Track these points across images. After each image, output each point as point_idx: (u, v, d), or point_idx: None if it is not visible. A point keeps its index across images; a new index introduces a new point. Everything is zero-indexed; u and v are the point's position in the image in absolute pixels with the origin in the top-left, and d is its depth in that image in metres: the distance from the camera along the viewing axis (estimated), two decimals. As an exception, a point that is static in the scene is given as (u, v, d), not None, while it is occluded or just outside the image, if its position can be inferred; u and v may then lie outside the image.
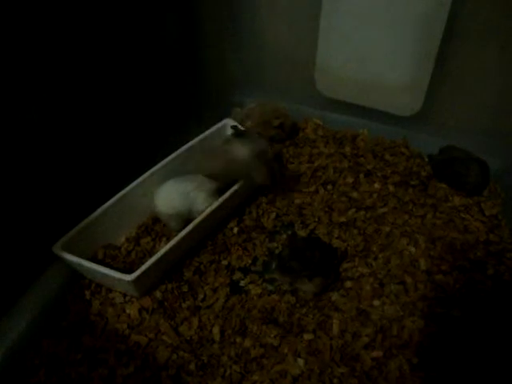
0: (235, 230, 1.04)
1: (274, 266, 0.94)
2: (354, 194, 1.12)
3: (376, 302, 0.89)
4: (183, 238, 0.90)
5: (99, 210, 0.95)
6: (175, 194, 0.99)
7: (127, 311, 0.89)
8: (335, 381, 0.77)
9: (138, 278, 0.82)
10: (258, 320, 0.87)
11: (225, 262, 0.98)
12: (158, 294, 0.90)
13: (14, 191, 0.83)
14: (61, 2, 0.82)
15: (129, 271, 0.83)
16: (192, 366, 0.80)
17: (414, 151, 1.25)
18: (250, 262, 0.98)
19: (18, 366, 0.81)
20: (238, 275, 0.96)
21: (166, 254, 0.87)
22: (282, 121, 1.26)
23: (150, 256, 0.88)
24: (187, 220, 0.96)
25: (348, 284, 0.92)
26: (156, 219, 1.05)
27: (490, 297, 0.89)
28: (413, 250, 0.98)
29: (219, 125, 1.18)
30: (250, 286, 0.94)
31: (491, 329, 0.84)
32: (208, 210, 0.95)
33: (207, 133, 1.15)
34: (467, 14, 1.03)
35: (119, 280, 0.83)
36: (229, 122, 1.18)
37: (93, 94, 0.96)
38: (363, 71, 1.21)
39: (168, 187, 1.00)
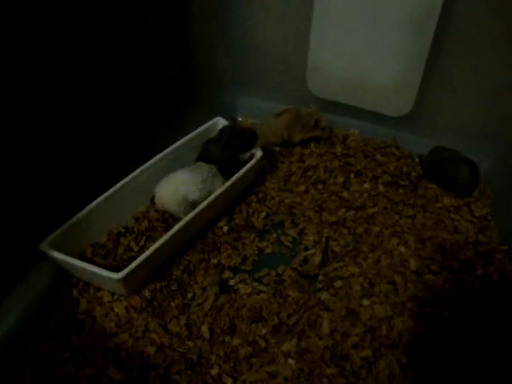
0: (225, 228, 1.04)
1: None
2: (345, 194, 1.12)
3: (366, 302, 0.89)
4: (172, 237, 0.89)
5: (88, 208, 0.94)
6: (191, 184, 1.00)
7: (115, 310, 0.88)
8: (324, 380, 0.77)
9: (127, 276, 0.82)
10: (247, 319, 0.86)
11: (214, 261, 0.97)
12: (147, 293, 0.89)
13: (1, 187, 0.81)
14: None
15: (117, 270, 0.82)
16: (181, 365, 0.79)
17: (404, 152, 1.25)
18: (239, 261, 0.98)
19: (4, 365, 0.80)
20: (227, 274, 0.95)
21: (154, 252, 0.86)
22: (317, 118, 1.27)
23: (139, 254, 0.87)
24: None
25: (338, 283, 0.92)
26: (145, 217, 1.04)
27: (479, 297, 0.89)
28: (403, 249, 0.98)
29: (210, 123, 1.17)
30: (240, 285, 0.93)
31: (480, 329, 0.84)
32: (197, 210, 0.94)
33: (198, 131, 1.14)
34: (458, 15, 1.04)
35: (107, 278, 0.82)
36: (220, 121, 1.17)
37: (83, 92, 0.95)
38: (354, 71, 1.21)
39: (180, 179, 1.01)
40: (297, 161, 1.22)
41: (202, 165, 1.05)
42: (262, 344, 0.82)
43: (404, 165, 1.20)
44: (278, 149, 1.27)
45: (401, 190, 1.13)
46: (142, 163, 1.04)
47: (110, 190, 0.98)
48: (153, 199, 1.07)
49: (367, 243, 1.00)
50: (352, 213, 1.07)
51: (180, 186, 1.00)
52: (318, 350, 0.81)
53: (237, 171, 1.03)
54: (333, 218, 1.06)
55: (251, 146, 1.09)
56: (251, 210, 1.09)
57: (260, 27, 1.29)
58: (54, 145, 0.91)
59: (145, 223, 1.03)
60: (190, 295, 0.91)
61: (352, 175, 1.16)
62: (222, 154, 1.07)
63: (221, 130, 1.13)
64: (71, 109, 0.93)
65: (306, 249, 1.01)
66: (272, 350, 0.82)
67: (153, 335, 0.83)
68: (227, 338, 0.84)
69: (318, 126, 1.26)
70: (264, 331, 0.84)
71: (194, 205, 0.98)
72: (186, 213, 0.95)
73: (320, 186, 1.15)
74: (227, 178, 1.02)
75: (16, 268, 0.88)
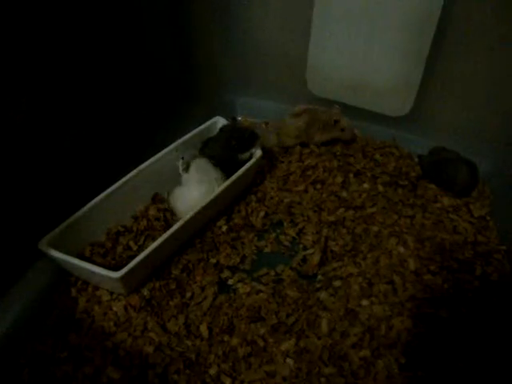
0: (224, 228, 1.04)
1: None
2: (344, 194, 1.12)
3: (364, 302, 0.89)
4: (171, 236, 0.89)
5: (87, 207, 0.94)
6: (208, 195, 0.98)
7: (114, 309, 0.88)
8: (323, 380, 0.77)
9: (125, 275, 0.81)
10: (245, 319, 0.86)
11: (213, 261, 0.97)
12: (146, 292, 0.89)
13: (0, 186, 0.81)
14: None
15: (116, 269, 0.82)
16: (179, 365, 0.79)
17: (403, 152, 1.25)
18: (238, 260, 0.98)
19: (3, 364, 0.80)
20: (226, 274, 0.95)
21: (153, 251, 0.86)
22: (338, 118, 1.23)
23: (138, 253, 0.87)
24: None
25: (336, 283, 0.92)
26: (144, 217, 1.04)
27: (478, 297, 0.89)
28: (401, 250, 0.98)
29: (210, 122, 1.17)
30: (239, 285, 0.93)
31: (479, 329, 0.84)
32: (196, 208, 0.94)
33: (198, 130, 1.14)
34: (458, 16, 1.04)
35: (106, 277, 0.82)
36: (219, 120, 1.17)
37: (83, 91, 0.95)
38: (354, 71, 1.21)
39: (197, 196, 0.98)
40: (296, 160, 1.22)
41: (208, 167, 1.03)
42: (261, 343, 0.82)
43: (403, 165, 1.20)
44: (277, 148, 1.27)
45: (400, 190, 1.13)
46: (142, 162, 1.04)
47: (109, 189, 0.98)
48: (154, 198, 1.07)
49: (366, 243, 1.00)
50: (351, 212, 1.07)
51: (199, 202, 0.97)
52: (316, 350, 0.81)
53: (236, 170, 1.03)
54: (332, 218, 1.06)
55: (251, 146, 1.08)
56: (250, 210, 1.09)
57: (260, 27, 1.29)
58: (53, 143, 0.91)
59: (144, 222, 1.03)
60: (188, 294, 0.91)
61: (351, 175, 1.16)
62: (221, 153, 1.06)
63: (221, 129, 1.12)
64: (70, 107, 0.93)
65: (305, 248, 1.01)
66: (271, 349, 0.82)
67: (151, 334, 0.83)
68: (226, 338, 0.83)
69: (337, 127, 1.24)
70: (263, 331, 0.84)
71: None
72: None
73: (319, 186, 1.15)
74: (226, 177, 1.02)
75: (15, 266, 0.88)
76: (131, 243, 0.99)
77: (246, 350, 0.81)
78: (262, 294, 0.91)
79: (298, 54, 1.26)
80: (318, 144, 1.26)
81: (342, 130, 1.25)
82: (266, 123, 1.38)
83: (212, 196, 0.97)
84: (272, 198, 1.12)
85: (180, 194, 1.02)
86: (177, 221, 0.93)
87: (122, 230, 1.01)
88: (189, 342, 0.83)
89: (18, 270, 0.90)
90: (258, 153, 1.08)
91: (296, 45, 1.27)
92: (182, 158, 1.03)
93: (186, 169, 1.02)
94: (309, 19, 1.18)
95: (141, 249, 0.96)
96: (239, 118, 1.40)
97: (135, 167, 1.02)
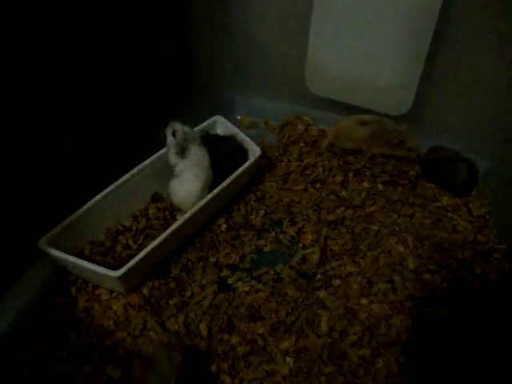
0: (223, 227, 1.04)
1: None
2: (343, 193, 1.12)
3: (364, 301, 0.89)
4: (170, 235, 0.89)
5: (86, 206, 0.94)
6: (206, 187, 1.00)
7: (114, 308, 0.88)
8: (322, 379, 0.77)
9: (125, 274, 0.82)
10: (245, 318, 0.86)
11: (213, 259, 0.97)
12: (145, 291, 0.89)
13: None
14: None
15: (116, 268, 0.82)
16: (178, 364, 0.79)
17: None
18: (238, 259, 0.98)
19: (3, 363, 0.80)
20: (225, 272, 0.95)
21: (153, 250, 0.86)
22: (406, 139, 1.19)
23: (138, 252, 0.87)
24: None
25: (336, 282, 0.92)
26: (143, 216, 1.04)
27: (477, 296, 0.89)
28: (401, 249, 0.98)
29: (209, 121, 1.17)
30: (238, 284, 0.93)
31: (478, 328, 0.84)
32: (196, 206, 0.94)
33: (197, 129, 1.13)
34: (457, 14, 1.03)
35: (106, 276, 0.83)
36: (219, 119, 1.17)
37: (82, 90, 0.95)
38: (353, 70, 1.21)
39: (197, 191, 0.99)
40: (295, 159, 1.22)
41: (204, 155, 1.02)
42: (261, 342, 0.82)
43: (402, 164, 1.20)
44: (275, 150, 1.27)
45: (399, 189, 1.13)
46: (141, 161, 1.04)
47: (109, 188, 0.98)
48: (153, 197, 1.08)
49: (366, 242, 1.00)
50: (350, 212, 1.07)
51: (199, 196, 0.99)
52: (316, 349, 0.81)
53: (232, 171, 1.03)
54: (331, 217, 1.06)
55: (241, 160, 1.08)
56: (250, 209, 1.09)
57: (260, 26, 1.29)
58: (53, 142, 0.91)
59: (143, 221, 1.03)
60: (188, 293, 0.91)
61: (351, 174, 1.16)
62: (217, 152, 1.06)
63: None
64: (70, 107, 0.93)
65: (305, 247, 1.01)
66: (270, 348, 0.82)
67: (151, 333, 0.83)
68: (225, 337, 0.84)
69: (402, 147, 1.20)
70: (262, 330, 0.84)
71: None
72: None
73: (318, 185, 1.14)
74: (224, 176, 1.02)
75: (14, 266, 0.88)
76: (131, 242, 0.99)
77: (246, 348, 0.82)
78: (261, 292, 0.91)
79: (298, 53, 1.26)
80: (375, 155, 1.22)
81: (409, 149, 1.21)
82: (266, 122, 1.37)
83: (211, 195, 0.97)
84: (271, 197, 1.12)
85: (176, 186, 1.01)
86: (175, 214, 0.93)
87: (121, 229, 1.01)
88: (188, 341, 0.83)
89: (17, 269, 0.90)
90: (257, 152, 1.08)
91: (295, 43, 1.26)
92: (173, 135, 0.99)
93: (182, 153, 0.99)
94: (308, 17, 1.17)
95: (140, 248, 0.95)
96: (238, 117, 1.40)
97: (135, 166, 1.02)
